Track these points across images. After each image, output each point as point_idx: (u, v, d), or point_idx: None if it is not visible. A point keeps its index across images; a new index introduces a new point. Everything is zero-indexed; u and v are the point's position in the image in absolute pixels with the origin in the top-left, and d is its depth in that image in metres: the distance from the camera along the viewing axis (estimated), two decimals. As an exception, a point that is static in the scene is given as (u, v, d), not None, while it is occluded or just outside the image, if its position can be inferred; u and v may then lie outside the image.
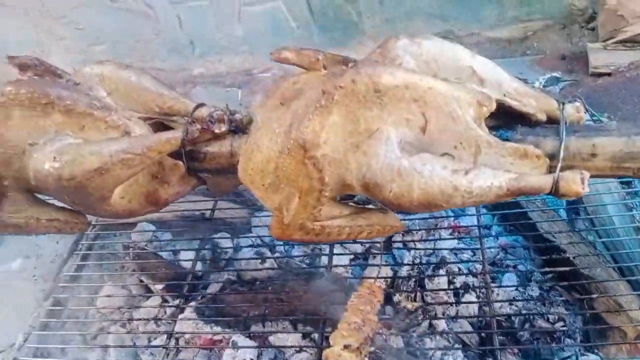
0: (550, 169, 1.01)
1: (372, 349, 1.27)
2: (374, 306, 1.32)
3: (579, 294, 1.45)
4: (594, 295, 1.39)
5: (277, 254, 1.77)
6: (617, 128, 1.02)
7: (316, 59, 1.12)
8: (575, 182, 0.98)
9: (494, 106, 1.00)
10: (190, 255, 1.75)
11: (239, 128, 1.23)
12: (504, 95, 1.04)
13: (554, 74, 2.39)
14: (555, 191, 0.99)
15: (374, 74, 0.97)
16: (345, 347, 1.22)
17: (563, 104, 1.07)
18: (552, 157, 1.01)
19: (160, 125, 1.34)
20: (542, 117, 1.05)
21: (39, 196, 1.32)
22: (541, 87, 2.31)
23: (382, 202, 1.02)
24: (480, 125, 0.99)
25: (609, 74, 2.25)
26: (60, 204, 1.31)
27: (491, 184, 0.95)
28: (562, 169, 0.99)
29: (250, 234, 1.84)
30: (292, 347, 1.49)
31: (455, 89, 0.98)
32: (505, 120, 1.07)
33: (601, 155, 1.01)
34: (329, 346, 1.26)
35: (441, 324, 1.47)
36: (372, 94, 0.97)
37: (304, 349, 1.50)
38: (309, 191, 1.01)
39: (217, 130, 1.20)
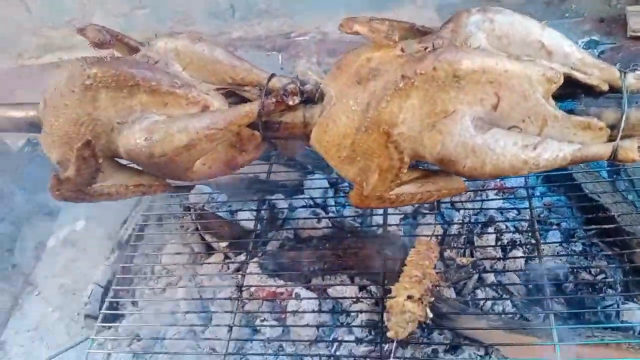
0: (611, 137, 1.10)
1: (432, 299, 1.39)
2: (432, 261, 1.44)
3: (620, 249, 1.56)
4: (636, 250, 1.50)
5: (330, 214, 1.88)
6: None
7: (391, 39, 1.17)
8: (632, 151, 1.07)
9: (561, 81, 1.08)
10: (248, 215, 1.87)
11: (310, 99, 1.33)
12: (571, 68, 1.12)
13: (593, 37, 2.42)
14: (613, 158, 1.09)
15: (454, 61, 1.05)
16: (409, 297, 1.35)
17: (625, 73, 1.13)
18: (613, 127, 1.09)
19: (233, 94, 1.44)
20: (605, 87, 1.13)
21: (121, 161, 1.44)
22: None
23: (455, 173, 1.12)
24: (548, 99, 1.08)
25: (648, 37, 2.29)
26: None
27: (557, 156, 1.04)
28: (622, 138, 1.07)
29: (304, 196, 1.95)
30: (351, 298, 1.63)
31: (528, 68, 1.06)
32: (571, 89, 1.14)
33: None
34: (388, 298, 1.40)
35: (490, 277, 1.60)
36: (450, 78, 1.06)
37: (361, 299, 1.64)
38: (389, 169, 1.11)
39: (290, 103, 1.29)
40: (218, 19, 2.95)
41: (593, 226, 1.61)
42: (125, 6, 2.95)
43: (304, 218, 1.86)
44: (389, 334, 1.35)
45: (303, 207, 1.92)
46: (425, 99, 1.08)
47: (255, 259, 1.76)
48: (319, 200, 1.95)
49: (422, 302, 1.37)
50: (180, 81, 1.33)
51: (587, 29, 2.48)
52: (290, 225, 1.87)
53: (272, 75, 1.38)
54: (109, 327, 1.70)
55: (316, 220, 1.83)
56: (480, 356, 1.44)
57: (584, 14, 2.60)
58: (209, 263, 1.84)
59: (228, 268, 1.82)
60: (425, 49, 1.13)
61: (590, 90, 1.14)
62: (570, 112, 1.11)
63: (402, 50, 1.16)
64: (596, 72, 1.13)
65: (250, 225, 1.84)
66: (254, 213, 1.86)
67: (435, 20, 2.77)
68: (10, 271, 2.09)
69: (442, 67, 1.06)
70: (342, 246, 1.71)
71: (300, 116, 1.31)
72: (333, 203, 1.94)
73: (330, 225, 1.83)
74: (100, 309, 1.70)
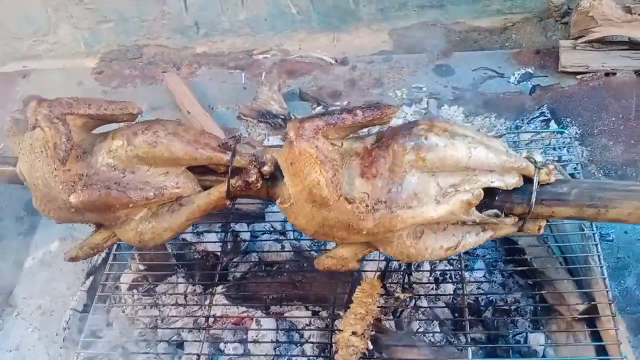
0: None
1: (373, 332, 1.65)
2: (374, 298, 1.69)
3: (532, 283, 1.84)
4: (544, 285, 1.79)
5: (291, 239, 2.10)
6: (574, 198, 1.35)
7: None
8: (534, 229, 1.33)
9: (481, 196, 1.31)
10: (214, 237, 2.07)
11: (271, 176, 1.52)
12: (492, 182, 1.34)
13: (528, 70, 2.67)
14: (519, 231, 1.35)
15: (390, 224, 1.30)
16: (353, 333, 1.60)
17: (539, 170, 1.36)
18: (522, 216, 1.35)
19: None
20: (520, 182, 1.36)
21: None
22: (517, 83, 2.60)
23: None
24: (469, 212, 1.32)
25: (576, 73, 2.55)
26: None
27: (473, 244, 1.29)
28: (526, 221, 1.34)
29: (265, 222, 2.16)
30: (305, 318, 1.87)
31: (451, 204, 1.30)
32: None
33: (557, 216, 1.36)
34: (336, 327, 1.65)
35: (424, 303, 1.87)
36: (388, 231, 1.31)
37: (313, 323, 1.89)
38: None
39: (253, 188, 1.49)
40: (182, 35, 3.08)
41: (512, 261, 1.90)
42: (91, 20, 3.03)
43: (265, 241, 2.08)
44: (336, 365, 1.60)
45: (264, 232, 2.14)
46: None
47: (221, 288, 1.97)
48: (279, 228, 2.17)
49: (364, 336, 1.62)
50: (150, 185, 1.49)
51: (523, 60, 2.73)
52: (254, 251, 2.09)
53: (234, 155, 1.48)
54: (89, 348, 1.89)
55: (280, 246, 2.06)
56: (412, 377, 1.72)
57: (522, 45, 2.85)
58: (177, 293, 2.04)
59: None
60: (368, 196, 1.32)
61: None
62: (485, 204, 1.35)
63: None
64: (513, 176, 1.36)
65: (217, 248, 2.05)
66: (220, 236, 2.06)
67: (388, 43, 2.99)
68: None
69: (382, 224, 1.32)
70: (299, 275, 1.95)
71: (264, 191, 1.52)
72: (292, 228, 2.16)
73: (291, 250, 2.06)
74: (79, 332, 1.90)
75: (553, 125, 2.23)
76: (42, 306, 2.12)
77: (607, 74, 2.44)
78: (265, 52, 3.05)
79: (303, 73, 2.88)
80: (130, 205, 1.47)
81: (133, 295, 2.05)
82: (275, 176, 1.49)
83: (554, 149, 2.20)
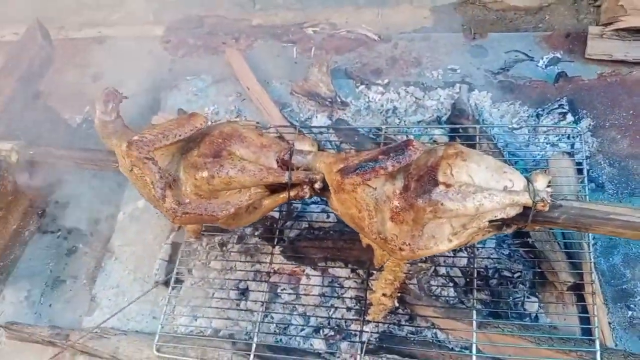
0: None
1: (399, 293, 2.10)
2: (401, 267, 2.13)
3: (534, 257, 2.24)
4: (542, 263, 2.18)
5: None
6: (562, 221, 1.75)
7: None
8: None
9: (486, 227, 1.72)
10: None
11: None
12: (496, 216, 1.71)
13: (557, 54, 2.90)
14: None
15: (413, 257, 1.75)
16: (384, 294, 2.06)
17: (535, 204, 1.70)
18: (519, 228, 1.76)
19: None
20: (520, 210, 1.73)
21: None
22: (545, 68, 2.85)
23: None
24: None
25: (600, 61, 2.78)
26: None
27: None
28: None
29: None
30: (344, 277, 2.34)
31: (461, 240, 1.74)
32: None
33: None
34: (371, 285, 2.11)
35: (441, 270, 2.29)
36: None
37: (351, 278, 2.35)
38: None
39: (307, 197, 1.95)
40: (241, 7, 3.38)
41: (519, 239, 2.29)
42: (159, -6, 3.35)
43: (317, 212, 2.52)
44: (369, 317, 2.07)
45: (314, 203, 2.57)
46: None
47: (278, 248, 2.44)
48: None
49: (392, 297, 2.08)
50: (230, 204, 1.99)
51: (553, 44, 2.95)
52: (305, 219, 2.53)
53: (291, 175, 1.93)
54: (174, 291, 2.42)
55: (325, 216, 2.50)
56: (427, 327, 2.18)
57: (554, 27, 3.05)
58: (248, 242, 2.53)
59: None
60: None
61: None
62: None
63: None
64: (515, 208, 1.72)
65: (275, 213, 2.50)
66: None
67: (429, 19, 3.23)
68: (90, 238, 2.79)
69: (406, 257, 1.76)
70: (340, 240, 2.39)
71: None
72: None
73: (335, 220, 2.49)
74: (167, 278, 2.43)
75: (570, 117, 2.52)
76: (135, 253, 2.65)
77: (627, 68, 2.66)
78: (315, 25, 3.34)
79: (349, 49, 3.18)
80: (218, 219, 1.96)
81: (209, 249, 2.54)
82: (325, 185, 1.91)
83: (568, 137, 2.50)
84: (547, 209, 1.69)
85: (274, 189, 1.98)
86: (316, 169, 1.95)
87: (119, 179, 2.91)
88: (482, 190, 1.65)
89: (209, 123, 2.11)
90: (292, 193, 1.95)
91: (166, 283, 2.45)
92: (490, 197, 1.63)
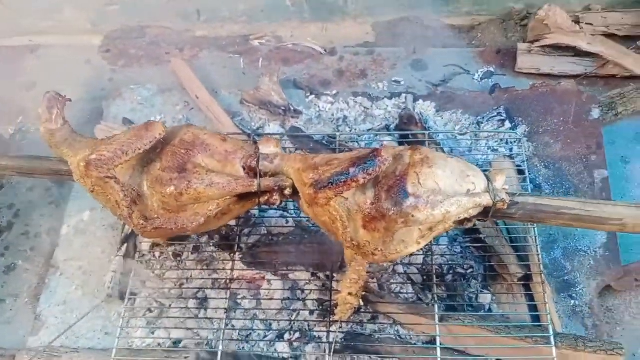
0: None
1: (363, 292, 2.15)
2: (364, 266, 2.18)
3: (484, 253, 2.37)
4: (492, 258, 2.32)
5: (293, 216, 2.54)
6: (519, 216, 1.88)
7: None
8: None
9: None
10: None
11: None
12: (460, 217, 1.81)
13: (490, 68, 3.12)
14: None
15: (385, 260, 1.86)
16: (349, 293, 2.09)
17: (495, 203, 1.82)
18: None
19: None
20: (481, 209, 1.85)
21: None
22: (480, 80, 3.06)
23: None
24: None
25: (530, 74, 3.03)
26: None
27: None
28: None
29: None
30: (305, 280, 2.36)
31: (427, 240, 1.86)
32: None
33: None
34: (334, 288, 2.14)
35: (399, 269, 2.38)
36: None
37: (312, 283, 2.37)
38: None
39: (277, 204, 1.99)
40: (184, 19, 3.35)
41: (469, 236, 2.42)
42: (98, 3, 3.27)
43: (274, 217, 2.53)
44: (336, 317, 2.10)
45: (272, 209, 2.57)
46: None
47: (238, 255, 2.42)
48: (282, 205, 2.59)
49: (357, 295, 2.12)
50: (200, 215, 1.96)
51: (486, 59, 3.18)
52: (263, 225, 2.53)
53: (260, 184, 1.94)
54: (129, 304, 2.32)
55: (285, 221, 2.51)
56: (390, 324, 2.25)
57: (486, 44, 3.29)
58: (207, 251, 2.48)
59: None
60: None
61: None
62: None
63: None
64: (477, 209, 1.83)
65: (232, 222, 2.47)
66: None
67: (371, 35, 3.37)
68: (30, 254, 2.62)
69: (378, 261, 1.90)
70: (300, 245, 2.41)
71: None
72: (293, 206, 2.60)
73: (293, 225, 2.51)
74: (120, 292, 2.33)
75: (508, 124, 2.72)
76: (82, 267, 2.52)
77: (554, 80, 2.92)
78: (261, 37, 3.38)
79: (296, 61, 3.24)
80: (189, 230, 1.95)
81: (163, 260, 2.47)
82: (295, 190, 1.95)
83: (507, 142, 2.70)
84: (505, 207, 1.83)
85: (243, 195, 1.97)
86: (284, 173, 1.97)
87: (61, 190, 2.77)
88: (449, 197, 1.76)
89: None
90: (262, 199, 1.95)
91: (120, 296, 2.34)
92: (456, 203, 1.75)
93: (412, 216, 1.73)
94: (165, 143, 1.99)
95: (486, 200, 1.81)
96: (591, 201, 1.89)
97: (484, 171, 1.92)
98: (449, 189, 1.79)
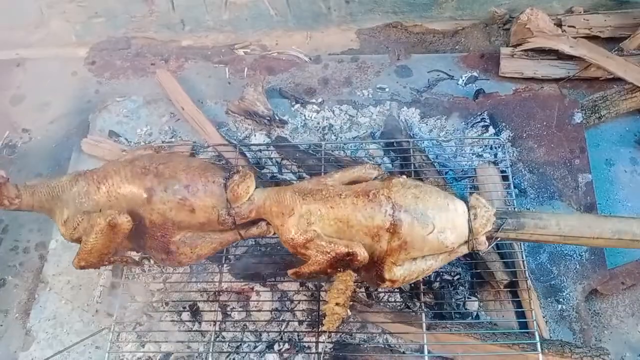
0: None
1: (351, 302, 2.16)
2: (351, 276, 2.19)
3: (471, 259, 2.40)
4: (479, 265, 2.35)
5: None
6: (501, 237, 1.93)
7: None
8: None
9: None
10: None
11: None
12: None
13: (474, 73, 3.15)
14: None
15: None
16: (337, 304, 2.11)
17: (474, 240, 1.91)
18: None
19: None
20: None
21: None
22: (464, 86, 3.09)
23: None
24: None
25: (513, 78, 3.06)
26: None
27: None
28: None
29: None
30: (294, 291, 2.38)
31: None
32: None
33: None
34: (321, 297, 2.16)
35: (387, 277, 2.39)
36: None
37: (301, 292, 2.39)
38: None
39: None
40: (169, 29, 3.36)
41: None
42: (83, 16, 3.26)
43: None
44: (324, 328, 2.12)
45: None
46: None
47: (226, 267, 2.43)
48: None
49: (345, 305, 2.14)
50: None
51: (470, 64, 3.20)
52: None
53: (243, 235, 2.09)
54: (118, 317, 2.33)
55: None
56: (378, 333, 2.27)
57: (470, 48, 3.32)
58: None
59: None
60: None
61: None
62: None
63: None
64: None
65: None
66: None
67: (355, 42, 3.39)
68: (19, 269, 2.62)
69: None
70: (288, 255, 2.42)
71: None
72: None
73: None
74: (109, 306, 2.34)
75: (491, 129, 2.75)
76: (71, 282, 2.52)
77: (537, 84, 2.95)
78: (246, 46, 3.39)
79: (281, 70, 3.25)
80: None
81: (152, 274, 2.48)
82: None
83: (491, 148, 2.72)
84: (483, 249, 1.93)
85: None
86: (263, 214, 2.01)
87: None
88: (424, 270, 1.93)
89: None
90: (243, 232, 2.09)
91: (110, 309, 2.35)
92: (431, 267, 1.94)
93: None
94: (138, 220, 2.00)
95: (464, 251, 1.94)
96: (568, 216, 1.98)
97: (466, 197, 1.99)
98: (425, 265, 1.94)
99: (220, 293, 2.35)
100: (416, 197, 1.87)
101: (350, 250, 1.86)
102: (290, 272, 2.00)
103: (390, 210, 1.84)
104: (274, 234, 2.06)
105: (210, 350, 2.17)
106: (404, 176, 2.00)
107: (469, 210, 1.91)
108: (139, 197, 1.95)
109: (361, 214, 1.86)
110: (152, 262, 2.47)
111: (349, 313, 2.17)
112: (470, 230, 1.89)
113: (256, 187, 2.03)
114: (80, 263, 1.99)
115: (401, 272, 1.90)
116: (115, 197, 1.96)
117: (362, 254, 1.86)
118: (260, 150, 2.79)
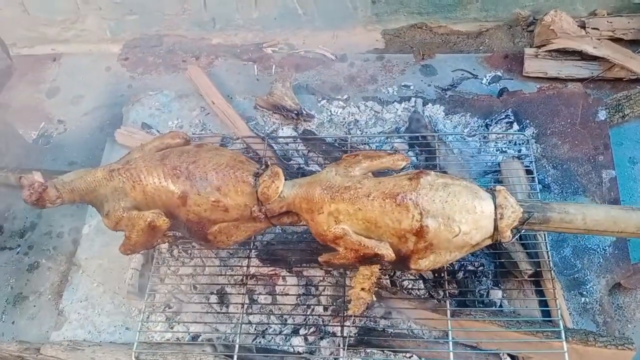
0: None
1: (376, 288, 2.21)
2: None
3: (494, 251, 2.43)
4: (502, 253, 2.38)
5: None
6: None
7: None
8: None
9: None
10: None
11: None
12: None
13: (497, 73, 3.19)
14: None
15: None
16: (362, 289, 2.15)
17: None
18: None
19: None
20: None
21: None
22: (488, 85, 3.13)
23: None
24: None
25: (537, 78, 3.10)
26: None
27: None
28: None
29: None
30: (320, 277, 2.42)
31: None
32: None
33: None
34: (346, 284, 2.21)
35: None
36: None
37: (326, 279, 2.44)
38: None
39: None
40: (200, 27, 3.46)
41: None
42: (117, 13, 3.38)
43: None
44: (349, 312, 2.16)
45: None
46: None
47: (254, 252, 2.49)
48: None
49: (370, 291, 2.18)
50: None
51: (494, 64, 3.25)
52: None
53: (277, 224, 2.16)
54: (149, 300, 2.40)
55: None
56: (402, 320, 2.30)
57: (494, 49, 3.37)
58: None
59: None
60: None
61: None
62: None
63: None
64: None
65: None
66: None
67: (380, 42, 3.46)
68: (53, 252, 2.70)
69: None
70: (314, 242, 2.47)
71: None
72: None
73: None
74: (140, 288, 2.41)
75: (515, 126, 2.78)
76: (102, 265, 2.60)
77: (561, 84, 2.98)
78: (274, 45, 3.48)
79: (308, 67, 3.33)
80: None
81: (182, 258, 2.55)
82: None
83: (515, 144, 2.76)
84: (507, 241, 1.96)
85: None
86: (294, 206, 2.05)
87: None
88: (448, 260, 1.99)
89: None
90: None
91: (140, 293, 2.42)
92: (455, 259, 1.99)
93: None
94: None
95: (488, 242, 1.97)
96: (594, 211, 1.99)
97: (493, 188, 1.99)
98: (451, 251, 1.96)
99: (248, 277, 2.41)
100: (444, 201, 1.88)
101: (379, 252, 1.91)
102: (320, 258, 2.05)
103: (417, 217, 1.86)
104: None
105: (238, 332, 2.22)
106: (433, 172, 1.99)
107: (495, 209, 1.92)
108: (174, 201, 2.03)
109: (389, 218, 1.89)
110: (180, 248, 2.55)
111: (374, 298, 2.21)
112: (496, 228, 1.92)
113: (285, 179, 2.09)
114: (127, 252, 2.15)
115: (426, 263, 1.94)
116: (151, 196, 2.04)
117: (390, 256, 1.92)
118: (287, 143, 2.86)
